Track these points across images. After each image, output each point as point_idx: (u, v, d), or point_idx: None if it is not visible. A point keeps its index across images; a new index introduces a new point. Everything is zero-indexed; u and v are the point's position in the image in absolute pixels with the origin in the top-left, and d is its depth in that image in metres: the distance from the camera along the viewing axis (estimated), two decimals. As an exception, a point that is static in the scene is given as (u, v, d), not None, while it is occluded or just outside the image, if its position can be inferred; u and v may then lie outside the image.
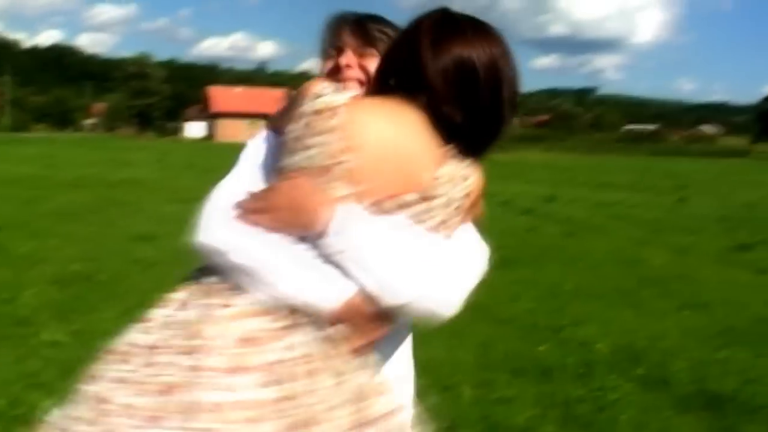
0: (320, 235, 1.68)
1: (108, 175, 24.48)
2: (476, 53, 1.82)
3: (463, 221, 1.94)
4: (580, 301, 9.02)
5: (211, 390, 1.64)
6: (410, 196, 1.78)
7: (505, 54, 1.89)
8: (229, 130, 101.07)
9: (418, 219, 1.79)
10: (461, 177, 1.87)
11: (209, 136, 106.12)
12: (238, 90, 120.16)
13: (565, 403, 5.71)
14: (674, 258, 12.86)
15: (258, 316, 1.71)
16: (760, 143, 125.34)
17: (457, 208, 1.87)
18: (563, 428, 5.29)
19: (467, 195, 1.89)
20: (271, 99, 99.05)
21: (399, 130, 1.80)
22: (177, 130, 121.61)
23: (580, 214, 18.95)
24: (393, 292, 1.71)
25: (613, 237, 15.20)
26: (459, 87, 1.82)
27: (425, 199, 1.80)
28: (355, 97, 1.82)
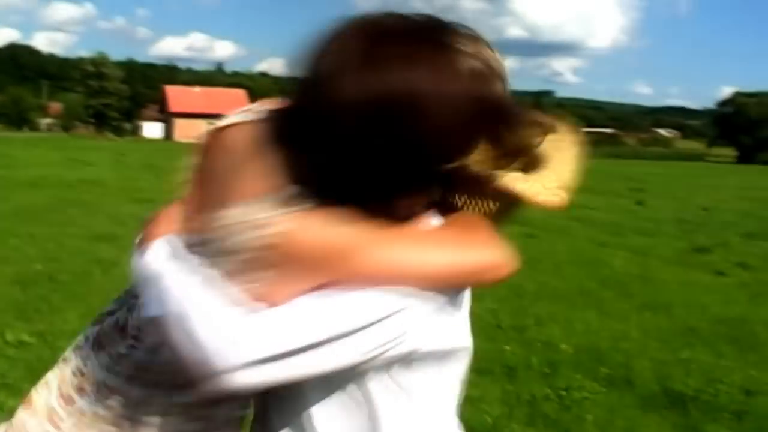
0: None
1: (66, 175, 24.21)
2: (362, 82, 1.34)
3: (293, 280, 1.41)
4: (542, 302, 9.08)
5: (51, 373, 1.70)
6: (189, 237, 1.52)
7: (433, 82, 1.35)
8: (186, 131, 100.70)
9: (205, 263, 1.46)
10: (255, 224, 1.41)
11: (167, 137, 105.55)
12: (197, 90, 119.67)
13: (531, 402, 5.78)
14: (634, 260, 12.99)
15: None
16: (716, 147, 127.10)
17: (257, 260, 1.42)
18: (530, 427, 5.35)
19: (268, 247, 1.40)
20: (229, 99, 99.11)
21: (226, 163, 1.51)
22: (134, 131, 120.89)
23: (539, 215, 19.02)
24: (154, 340, 1.50)
25: (574, 239, 15.33)
26: (325, 125, 1.38)
27: (201, 243, 1.49)
28: (236, 123, 1.56)
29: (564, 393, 5.95)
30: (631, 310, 9.00)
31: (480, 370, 6.33)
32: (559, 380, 6.23)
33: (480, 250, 1.56)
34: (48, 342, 6.42)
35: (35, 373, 5.59)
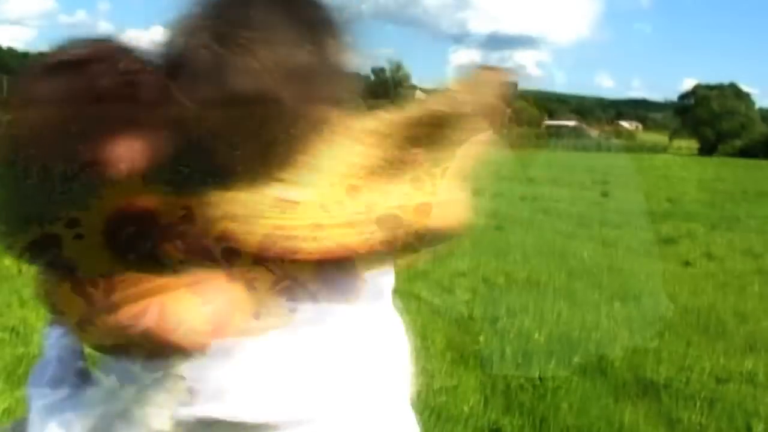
0: None
1: (30, 169, 24.02)
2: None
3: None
4: (513, 293, 9.13)
5: None
6: None
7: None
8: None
9: None
10: None
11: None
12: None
13: (507, 391, 5.82)
14: (602, 251, 13.07)
15: None
16: (678, 139, 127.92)
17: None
18: (507, 415, 5.39)
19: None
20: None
21: None
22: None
23: (506, 208, 19.07)
24: None
25: (541, 230, 15.38)
26: None
27: None
28: None
29: (538, 382, 6.01)
30: (601, 301, 9.06)
31: (455, 360, 6.39)
32: (533, 370, 6.29)
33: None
34: (21, 338, 6.38)
35: (10, 368, 5.53)
